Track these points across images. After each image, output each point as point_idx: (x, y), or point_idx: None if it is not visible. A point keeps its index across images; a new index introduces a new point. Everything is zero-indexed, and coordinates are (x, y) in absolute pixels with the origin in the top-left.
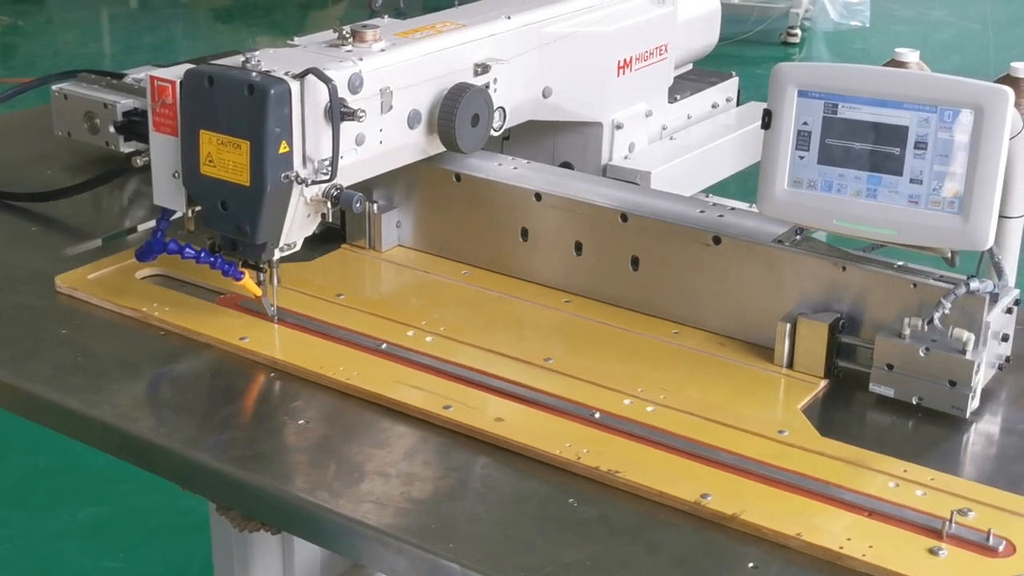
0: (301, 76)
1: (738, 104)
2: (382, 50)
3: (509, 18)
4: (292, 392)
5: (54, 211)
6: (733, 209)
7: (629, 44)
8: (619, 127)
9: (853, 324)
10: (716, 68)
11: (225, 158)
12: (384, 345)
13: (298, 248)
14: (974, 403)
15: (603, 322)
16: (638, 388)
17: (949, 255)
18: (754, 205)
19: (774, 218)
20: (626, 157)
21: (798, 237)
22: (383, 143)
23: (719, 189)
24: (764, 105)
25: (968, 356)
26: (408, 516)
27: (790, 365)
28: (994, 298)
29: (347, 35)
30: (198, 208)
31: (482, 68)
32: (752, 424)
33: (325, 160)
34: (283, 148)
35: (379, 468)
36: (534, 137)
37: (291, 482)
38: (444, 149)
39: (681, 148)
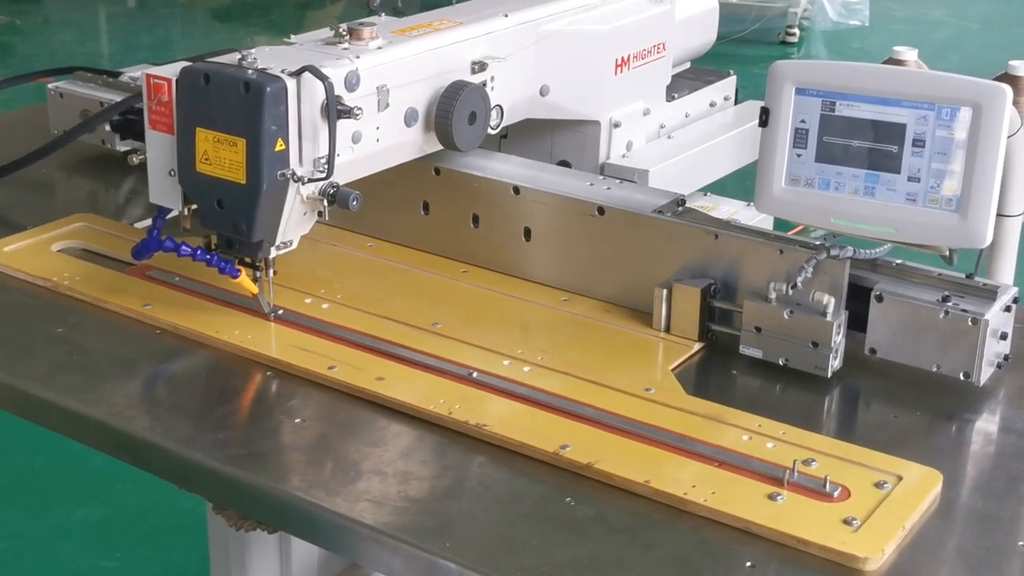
0: (297, 74)
1: (736, 103)
2: (379, 48)
3: (506, 16)
4: (288, 391)
5: (49, 210)
6: (622, 182)
7: (627, 42)
8: (617, 125)
9: (728, 290)
10: (714, 67)
11: (221, 156)
12: (280, 311)
13: (294, 246)
14: (835, 363)
15: (496, 291)
16: (518, 350)
17: (947, 253)
18: (751, 204)
19: (772, 216)
20: (624, 155)
21: (680, 208)
22: (380, 141)
23: (717, 188)
24: (762, 104)
25: (828, 318)
26: (404, 515)
27: (667, 329)
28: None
29: (344, 33)
30: (194, 206)
31: (479, 66)
32: (622, 383)
33: (321, 158)
34: (279, 146)
35: (375, 467)
36: (532, 135)
37: (287, 481)
38: (441, 147)
39: (679, 147)
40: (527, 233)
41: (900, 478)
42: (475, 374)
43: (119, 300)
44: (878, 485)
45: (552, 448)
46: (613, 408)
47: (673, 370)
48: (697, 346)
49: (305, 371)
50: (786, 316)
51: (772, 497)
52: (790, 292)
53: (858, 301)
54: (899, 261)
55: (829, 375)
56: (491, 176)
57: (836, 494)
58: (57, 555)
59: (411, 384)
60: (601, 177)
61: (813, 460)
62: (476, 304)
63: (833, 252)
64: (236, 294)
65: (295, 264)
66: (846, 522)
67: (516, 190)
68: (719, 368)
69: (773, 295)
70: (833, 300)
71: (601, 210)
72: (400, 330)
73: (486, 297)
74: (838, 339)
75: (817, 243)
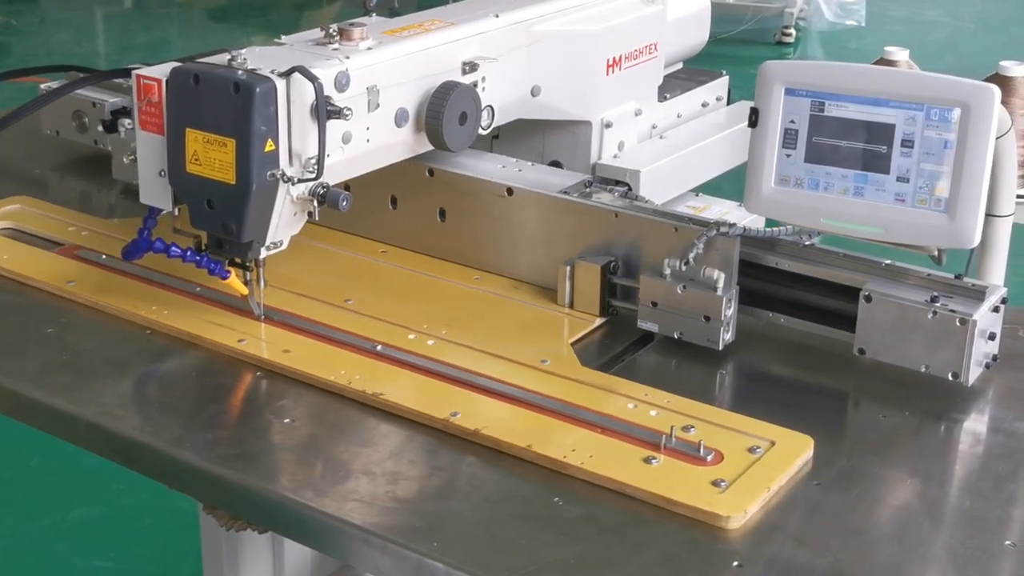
0: (287, 74)
1: (728, 103)
2: (369, 48)
3: (497, 16)
4: (278, 391)
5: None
6: (533, 164)
7: (618, 43)
8: (608, 126)
9: (630, 267)
10: (709, 67)
11: (211, 156)
12: (198, 288)
13: (284, 247)
14: (727, 336)
15: (412, 270)
16: (424, 325)
17: (936, 253)
18: (742, 204)
19: (762, 216)
20: (615, 156)
21: (587, 189)
22: (370, 141)
23: (714, 188)
24: (752, 103)
25: (719, 292)
26: (393, 515)
27: (571, 305)
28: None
29: (334, 33)
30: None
31: (470, 66)
32: (520, 355)
33: (311, 158)
34: (269, 146)
35: (364, 467)
36: (523, 136)
37: (276, 481)
38: (432, 147)
39: (671, 147)
40: (442, 214)
41: (773, 443)
42: (379, 347)
43: (43, 278)
44: (751, 450)
45: (443, 415)
46: (507, 378)
47: (573, 344)
48: (599, 321)
49: (214, 343)
50: (679, 291)
51: (648, 461)
52: (683, 268)
53: (847, 301)
54: (888, 261)
55: (720, 347)
56: (408, 159)
57: (710, 458)
58: (52, 555)
59: (316, 356)
60: (514, 160)
61: (692, 427)
62: (390, 282)
63: (723, 229)
64: (167, 274)
65: None
66: (715, 484)
67: (431, 172)
68: (618, 342)
69: (668, 271)
70: (723, 275)
71: (510, 191)
72: (312, 305)
73: (401, 276)
74: (729, 313)
75: (709, 221)
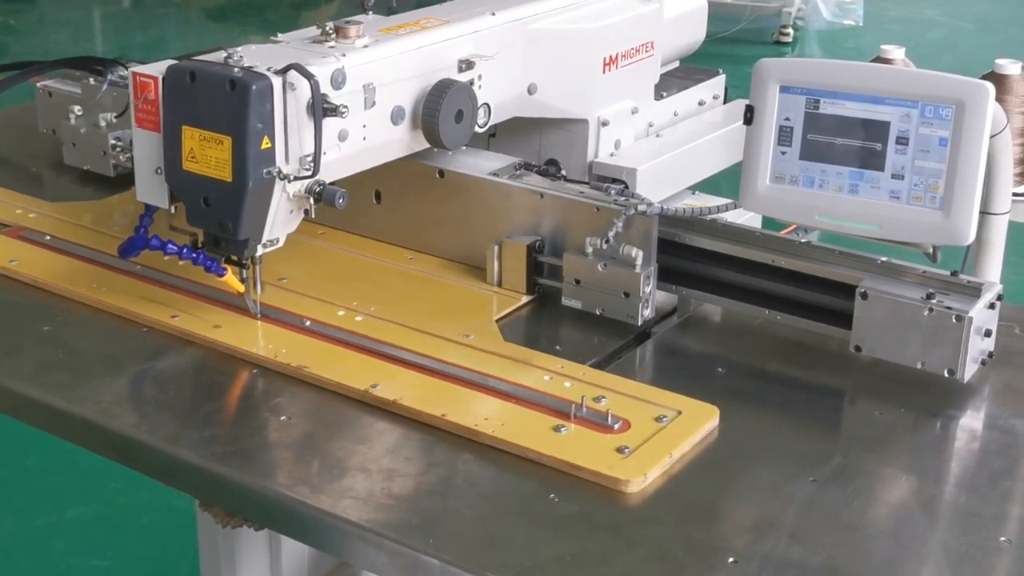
0: (283, 72)
1: (725, 102)
2: (365, 46)
3: (494, 14)
4: (275, 389)
5: None
6: (465, 149)
7: (615, 41)
8: (605, 124)
9: (556, 246)
10: (707, 66)
11: (207, 154)
12: (139, 267)
13: (281, 244)
14: (646, 312)
15: (347, 250)
16: (354, 302)
17: (931, 250)
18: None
19: (757, 213)
20: (612, 154)
21: (518, 172)
22: (366, 139)
23: (710, 186)
24: (748, 101)
25: (637, 270)
26: (389, 512)
27: (500, 284)
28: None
29: (330, 31)
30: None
31: (466, 64)
32: (445, 331)
33: (307, 156)
34: (265, 144)
35: (361, 464)
36: (520, 134)
37: (272, 478)
38: (428, 145)
39: (667, 145)
40: (377, 196)
41: (679, 413)
42: (308, 323)
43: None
44: (658, 419)
45: (363, 387)
46: (430, 352)
47: (498, 320)
48: (526, 298)
49: (148, 319)
50: (600, 269)
51: (557, 429)
52: (604, 246)
53: (843, 298)
54: (884, 259)
55: (639, 323)
56: None
57: (617, 426)
58: (49, 554)
59: (245, 332)
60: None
61: (604, 397)
62: (325, 262)
63: (640, 208)
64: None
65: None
66: (619, 450)
67: None
68: (543, 318)
69: (590, 249)
70: (642, 253)
71: (441, 173)
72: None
73: (336, 256)
74: (647, 289)
75: (628, 201)
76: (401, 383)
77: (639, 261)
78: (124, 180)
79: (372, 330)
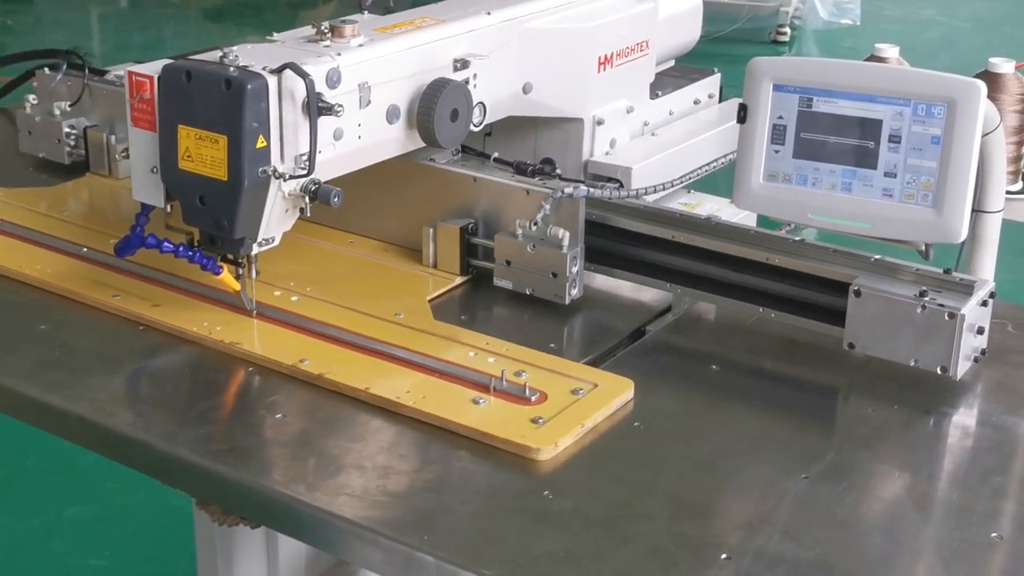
0: (278, 71)
1: (720, 100)
2: (360, 45)
3: (489, 14)
4: (271, 387)
5: None
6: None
7: (610, 40)
8: (600, 123)
9: (490, 228)
10: (705, 66)
11: (203, 153)
12: (85, 249)
13: (276, 243)
14: (573, 292)
15: (290, 233)
16: (291, 283)
17: (924, 248)
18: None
19: (751, 212)
20: (607, 153)
21: (455, 156)
22: (362, 138)
23: (710, 185)
24: (741, 100)
25: (564, 251)
26: (383, 509)
27: (435, 265)
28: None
29: (326, 30)
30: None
31: (461, 63)
32: (377, 310)
33: (303, 155)
34: (260, 143)
35: (356, 461)
36: (515, 133)
37: (268, 475)
38: (424, 144)
39: (663, 144)
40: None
41: (595, 385)
42: (258, 310)
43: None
44: (575, 392)
45: (292, 362)
46: (359, 330)
47: (431, 300)
48: (460, 279)
49: (92, 299)
50: (530, 250)
51: (476, 401)
52: (533, 228)
53: (836, 296)
54: (877, 257)
55: (567, 302)
56: None
57: (534, 399)
58: (47, 554)
59: (183, 311)
60: None
61: (524, 371)
62: None
63: (567, 191)
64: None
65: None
66: (533, 421)
67: None
68: (476, 298)
69: (519, 231)
70: (568, 234)
71: None
72: (183, 264)
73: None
74: (574, 270)
75: (556, 185)
76: (329, 359)
77: (566, 242)
78: (78, 167)
79: (306, 309)
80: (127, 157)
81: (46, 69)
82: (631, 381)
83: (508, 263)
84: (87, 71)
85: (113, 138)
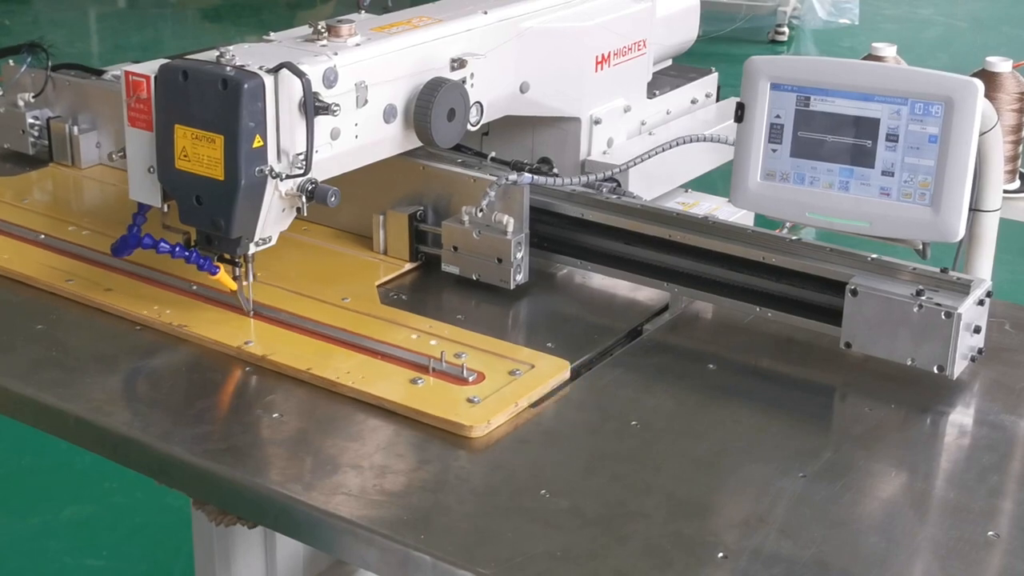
0: (275, 70)
1: (718, 100)
2: (357, 45)
3: (486, 13)
4: (268, 386)
5: None
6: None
7: (607, 39)
8: (597, 122)
9: (440, 215)
10: (703, 66)
11: (199, 153)
12: (43, 236)
13: (273, 243)
14: (518, 277)
15: None
16: (241, 269)
17: (921, 247)
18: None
19: (749, 211)
20: (604, 152)
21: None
22: (358, 137)
23: (708, 185)
24: (738, 99)
25: (508, 236)
26: (380, 508)
27: (385, 252)
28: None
29: (322, 30)
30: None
31: (458, 63)
32: (325, 295)
33: (300, 154)
34: (257, 142)
35: (353, 461)
36: (512, 132)
37: (264, 475)
38: (421, 144)
39: (660, 143)
40: None
41: (532, 366)
42: (195, 287)
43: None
44: (512, 372)
45: (237, 344)
46: (305, 313)
47: (380, 286)
48: (409, 265)
49: (46, 284)
50: (476, 236)
51: (414, 381)
52: (479, 215)
53: (833, 295)
54: (874, 256)
55: (512, 287)
56: None
57: (472, 379)
58: (43, 554)
59: (135, 296)
60: None
61: (464, 353)
62: None
63: (511, 178)
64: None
65: (61, 196)
66: (469, 400)
67: None
68: (425, 284)
69: (466, 218)
70: (512, 220)
71: None
72: (140, 252)
73: None
74: (519, 255)
75: (501, 172)
76: (273, 341)
77: (510, 228)
78: (42, 157)
79: (255, 294)
80: (123, 157)
81: (10, 61)
82: (567, 362)
83: (455, 249)
84: (49, 63)
85: (76, 128)
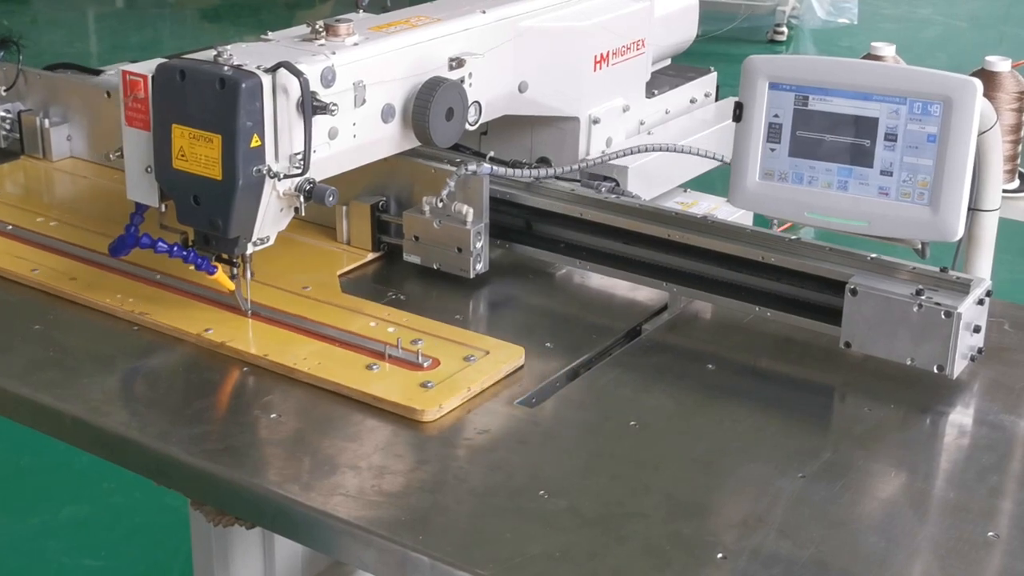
0: (273, 70)
1: (717, 100)
2: (355, 44)
3: (484, 12)
4: (265, 386)
5: None
6: None
7: (606, 39)
8: (596, 122)
9: (403, 205)
10: (702, 65)
11: (197, 152)
12: (10, 227)
13: (271, 243)
14: (478, 267)
15: None
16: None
17: (920, 246)
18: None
19: (747, 210)
20: (603, 152)
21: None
22: (356, 137)
23: (704, 184)
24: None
25: (468, 226)
26: (378, 508)
27: (348, 242)
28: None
29: (320, 29)
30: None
31: (457, 62)
32: (287, 284)
33: (297, 154)
34: (255, 142)
35: (351, 461)
36: (511, 131)
37: (262, 475)
38: (419, 143)
39: (658, 143)
40: None
41: (487, 352)
42: (159, 276)
43: None
44: (467, 358)
45: (197, 331)
46: (266, 301)
47: (342, 275)
48: (372, 255)
49: (12, 272)
50: (436, 226)
51: (370, 367)
52: (439, 205)
53: (833, 295)
54: (874, 255)
55: (472, 276)
56: None
57: (427, 365)
58: (42, 554)
59: (99, 285)
60: None
61: (421, 340)
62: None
63: (471, 168)
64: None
65: (30, 189)
66: (423, 385)
67: None
68: (387, 273)
69: (426, 208)
70: (472, 210)
71: None
72: (106, 243)
73: None
74: (479, 245)
75: (459, 161)
76: (233, 328)
77: (470, 218)
78: (13, 150)
79: (213, 281)
80: (120, 157)
81: None
82: (522, 348)
83: (416, 239)
84: (21, 57)
85: (47, 122)
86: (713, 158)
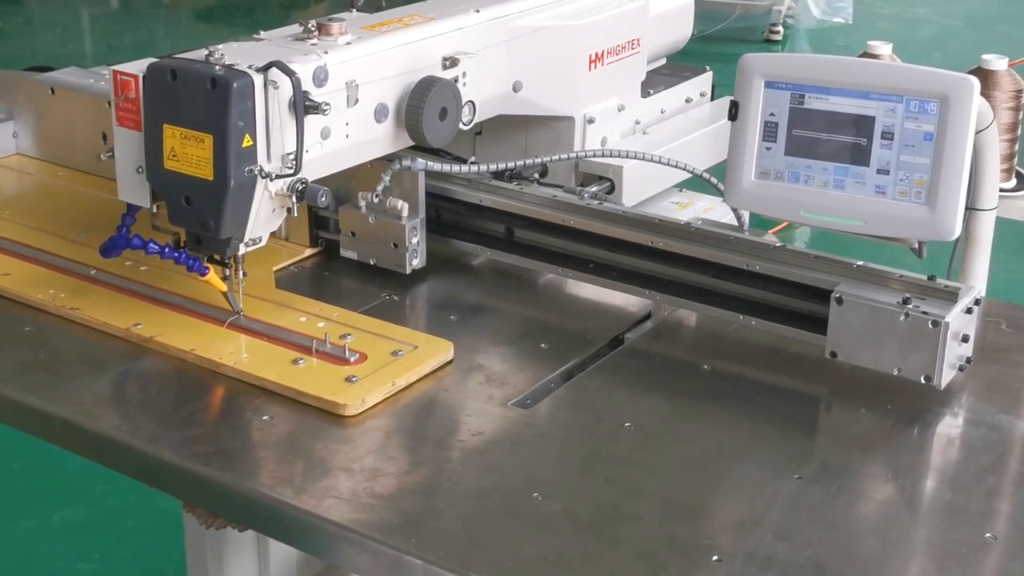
0: (264, 69)
1: (712, 99)
2: (348, 43)
3: (478, 11)
4: (258, 389)
5: None
6: None
7: (600, 38)
8: (591, 121)
9: (340, 201)
10: (697, 64)
11: (188, 152)
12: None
13: (264, 243)
14: (414, 262)
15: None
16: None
17: (916, 246)
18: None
19: (743, 209)
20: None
21: None
22: (349, 137)
23: (700, 183)
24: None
25: (403, 221)
26: (371, 512)
27: (287, 238)
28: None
29: (312, 28)
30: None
31: (450, 61)
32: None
33: (289, 154)
34: (246, 142)
35: (343, 464)
36: (506, 131)
37: (254, 478)
38: (412, 143)
39: (654, 143)
40: None
41: (416, 347)
42: (93, 271)
43: None
44: (394, 353)
45: (126, 326)
46: (196, 296)
47: (277, 271)
48: (310, 251)
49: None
50: (372, 221)
51: (296, 362)
52: (375, 200)
53: (818, 304)
54: (860, 263)
55: (408, 272)
56: None
57: (354, 359)
58: (35, 557)
59: (31, 280)
60: None
61: (350, 335)
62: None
63: (405, 163)
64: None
65: None
66: (348, 379)
67: None
68: (324, 269)
69: (362, 203)
70: (407, 205)
71: None
72: (47, 239)
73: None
74: (414, 240)
75: (396, 156)
76: (161, 323)
77: (405, 213)
78: None
79: (146, 276)
80: (112, 157)
81: None
82: (451, 343)
83: (353, 234)
84: None
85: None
86: (686, 169)
